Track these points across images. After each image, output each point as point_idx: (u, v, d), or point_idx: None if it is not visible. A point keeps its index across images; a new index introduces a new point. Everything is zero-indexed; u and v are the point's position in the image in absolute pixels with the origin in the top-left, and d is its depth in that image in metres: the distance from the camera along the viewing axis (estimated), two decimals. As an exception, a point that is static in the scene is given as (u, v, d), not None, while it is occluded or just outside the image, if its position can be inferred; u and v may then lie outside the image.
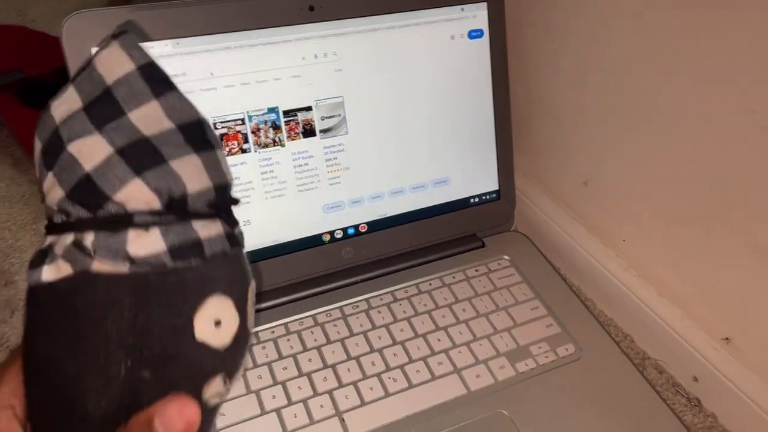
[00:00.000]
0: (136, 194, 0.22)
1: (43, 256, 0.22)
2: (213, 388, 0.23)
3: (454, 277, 0.55)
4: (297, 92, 0.49)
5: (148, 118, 0.23)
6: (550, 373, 0.49)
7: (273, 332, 0.49)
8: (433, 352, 0.49)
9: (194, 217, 0.23)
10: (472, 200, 0.58)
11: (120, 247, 0.21)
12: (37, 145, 0.23)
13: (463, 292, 0.54)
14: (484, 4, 0.54)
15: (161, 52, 0.45)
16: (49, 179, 0.23)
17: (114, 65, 0.23)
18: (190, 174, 0.23)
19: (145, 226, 0.22)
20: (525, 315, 0.53)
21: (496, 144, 0.58)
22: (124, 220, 0.22)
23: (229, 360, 0.23)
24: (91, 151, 0.22)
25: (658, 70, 0.48)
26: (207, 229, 0.23)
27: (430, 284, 0.55)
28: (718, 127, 0.45)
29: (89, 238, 0.22)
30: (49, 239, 0.23)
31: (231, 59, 0.47)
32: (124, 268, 0.21)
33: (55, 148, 0.23)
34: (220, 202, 0.24)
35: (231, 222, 0.24)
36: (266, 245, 0.51)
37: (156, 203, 0.22)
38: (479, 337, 0.50)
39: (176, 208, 0.22)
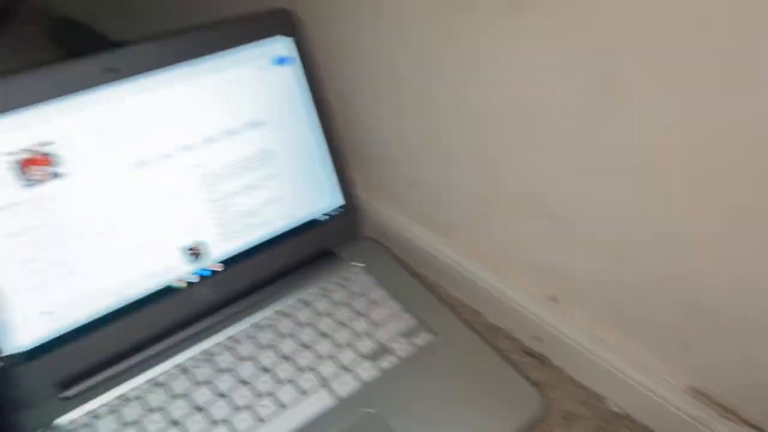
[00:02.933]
0: None
1: None
2: None
3: (313, 294, 0.58)
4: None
5: None
6: (412, 363, 0.53)
7: (139, 389, 0.50)
8: (300, 370, 0.51)
9: None
10: (321, 218, 0.61)
11: None
12: None
13: (323, 306, 0.57)
14: (283, 37, 0.57)
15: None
16: None
17: None
18: None
19: None
20: (382, 315, 0.56)
21: (333, 162, 0.61)
22: None
23: None
24: None
25: (446, 75, 0.54)
26: None
27: (290, 306, 0.57)
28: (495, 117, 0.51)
29: None
30: None
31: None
32: None
33: None
34: None
35: None
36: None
37: None
38: (342, 345, 0.53)
39: None
